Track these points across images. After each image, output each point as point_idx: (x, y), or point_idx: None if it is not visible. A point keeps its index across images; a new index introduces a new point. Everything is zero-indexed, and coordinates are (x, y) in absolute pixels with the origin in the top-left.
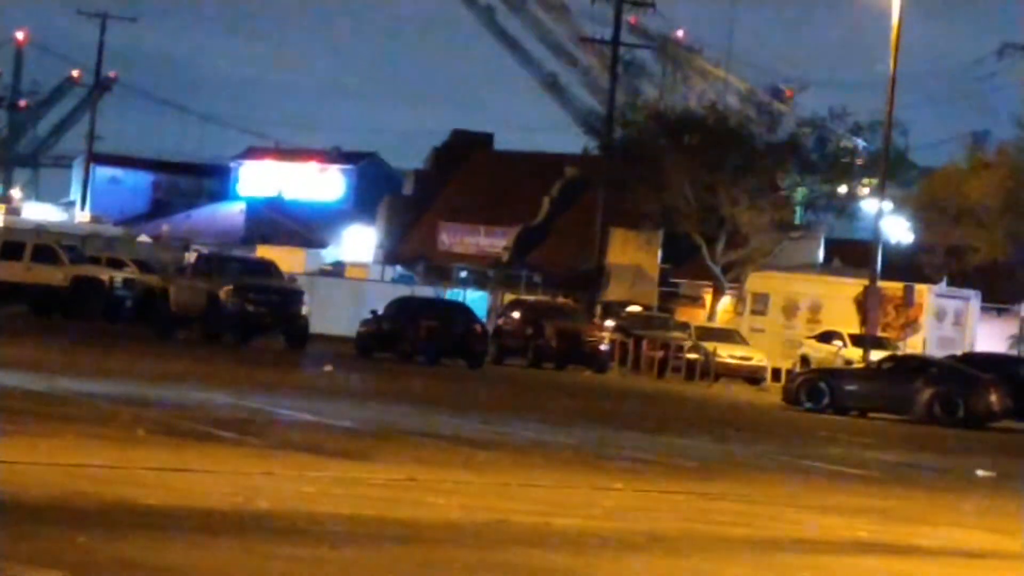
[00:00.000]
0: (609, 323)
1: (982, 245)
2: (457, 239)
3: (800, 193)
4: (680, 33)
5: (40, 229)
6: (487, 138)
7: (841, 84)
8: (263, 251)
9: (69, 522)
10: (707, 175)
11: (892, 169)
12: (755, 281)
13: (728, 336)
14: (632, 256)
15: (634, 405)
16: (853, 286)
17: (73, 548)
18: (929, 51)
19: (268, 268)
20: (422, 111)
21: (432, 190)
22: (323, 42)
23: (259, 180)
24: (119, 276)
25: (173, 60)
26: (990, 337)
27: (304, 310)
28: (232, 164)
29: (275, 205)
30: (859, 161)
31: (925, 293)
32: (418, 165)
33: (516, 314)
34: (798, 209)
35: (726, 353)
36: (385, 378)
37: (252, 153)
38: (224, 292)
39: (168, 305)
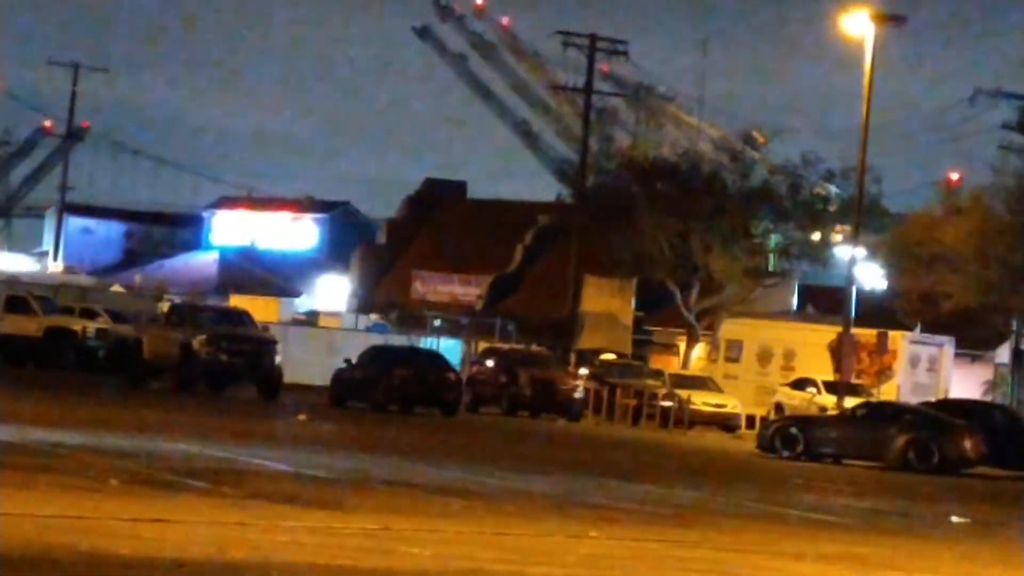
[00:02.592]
0: (583, 371)
1: (956, 291)
2: (431, 287)
3: (773, 240)
4: (662, 88)
5: (13, 280)
6: (460, 186)
7: (814, 131)
8: (236, 300)
9: (42, 573)
10: (680, 222)
11: (865, 215)
12: (729, 328)
13: (702, 383)
14: (606, 304)
15: (608, 453)
16: (827, 333)
17: None
18: (902, 97)
19: (241, 318)
20: (395, 160)
21: (405, 239)
22: (296, 92)
23: (232, 229)
24: (92, 326)
25: (145, 110)
26: (964, 383)
27: (277, 359)
28: (205, 214)
29: (248, 254)
30: (832, 208)
31: (899, 339)
32: (391, 214)
33: (490, 362)
34: (771, 256)
35: (700, 400)
36: (359, 427)
37: (225, 203)
38: (197, 342)
39: (141, 355)
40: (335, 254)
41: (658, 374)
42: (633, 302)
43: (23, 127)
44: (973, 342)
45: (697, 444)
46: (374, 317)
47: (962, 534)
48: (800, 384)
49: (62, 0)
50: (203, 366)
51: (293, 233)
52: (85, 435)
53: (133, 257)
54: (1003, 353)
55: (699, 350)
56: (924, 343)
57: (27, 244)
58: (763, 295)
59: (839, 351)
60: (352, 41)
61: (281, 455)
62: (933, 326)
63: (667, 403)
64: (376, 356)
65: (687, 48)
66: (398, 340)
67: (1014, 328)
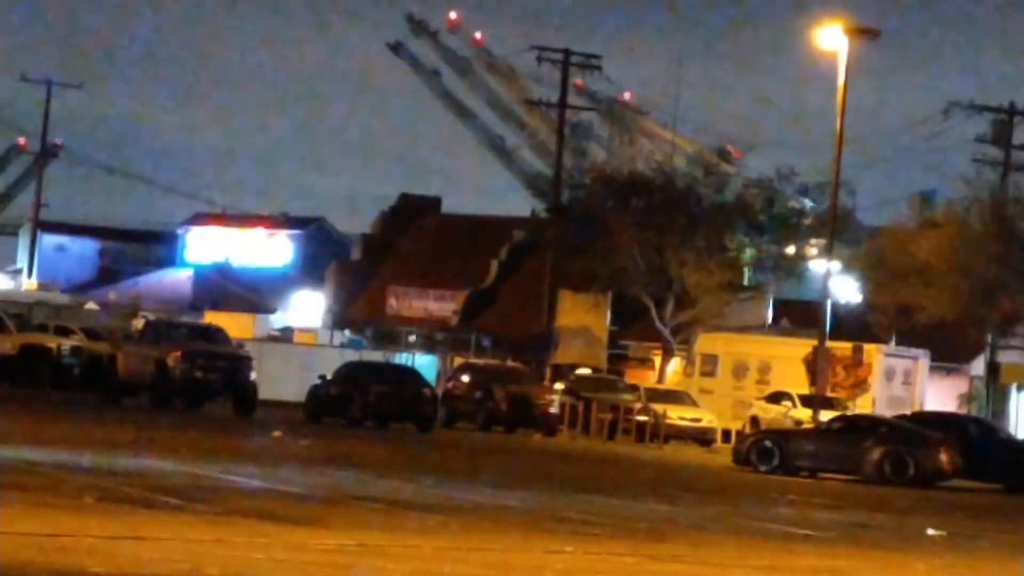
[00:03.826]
0: (559, 386)
1: (930, 304)
2: (406, 303)
3: (748, 254)
4: (627, 95)
5: None
6: (435, 202)
7: (788, 144)
8: (211, 317)
9: None
10: (655, 237)
11: (840, 229)
12: (704, 342)
13: (678, 398)
14: (581, 319)
15: (584, 468)
16: (802, 346)
17: None
18: (877, 111)
19: (216, 334)
20: (369, 175)
21: (380, 254)
22: (270, 108)
23: (206, 246)
24: (67, 344)
25: (119, 127)
26: (940, 396)
27: (252, 376)
28: (179, 230)
29: (223, 271)
30: (807, 221)
31: (874, 352)
32: (366, 229)
33: (465, 378)
34: (746, 270)
35: (676, 415)
36: (334, 443)
37: (199, 219)
38: (172, 359)
39: (116, 372)
40: (310, 270)
41: (633, 389)
42: (608, 317)
43: None
44: (948, 355)
45: (673, 458)
46: (349, 333)
47: (938, 547)
48: (775, 398)
49: (35, 17)
50: (178, 383)
51: (267, 249)
52: (60, 453)
53: (107, 274)
54: (978, 366)
55: (674, 364)
56: (899, 356)
57: (1, 262)
58: (738, 309)
59: (814, 365)
60: (326, 56)
61: (256, 471)
62: (908, 339)
63: (643, 417)
64: (351, 372)
65: (661, 63)
66: (373, 356)
67: (989, 341)
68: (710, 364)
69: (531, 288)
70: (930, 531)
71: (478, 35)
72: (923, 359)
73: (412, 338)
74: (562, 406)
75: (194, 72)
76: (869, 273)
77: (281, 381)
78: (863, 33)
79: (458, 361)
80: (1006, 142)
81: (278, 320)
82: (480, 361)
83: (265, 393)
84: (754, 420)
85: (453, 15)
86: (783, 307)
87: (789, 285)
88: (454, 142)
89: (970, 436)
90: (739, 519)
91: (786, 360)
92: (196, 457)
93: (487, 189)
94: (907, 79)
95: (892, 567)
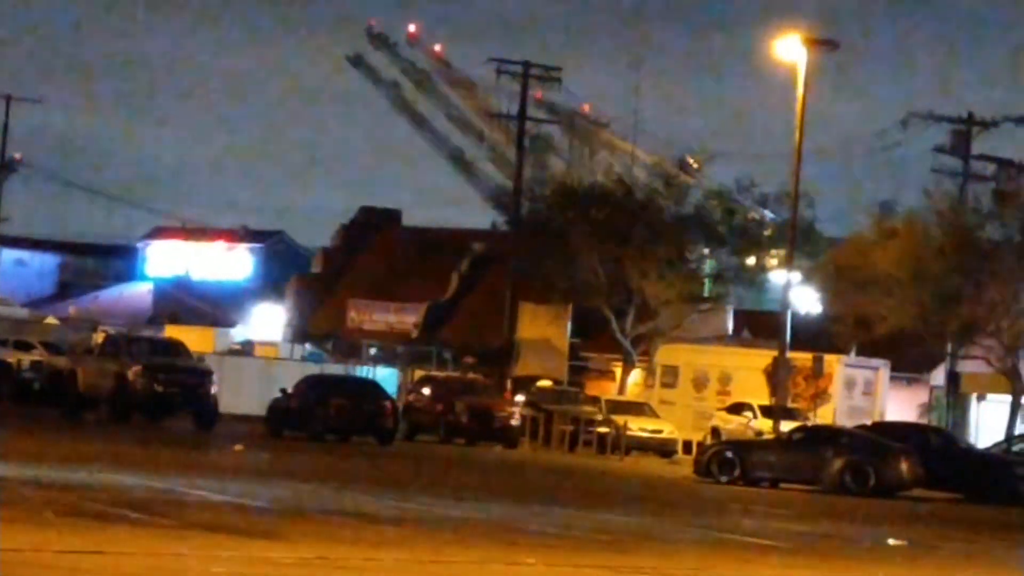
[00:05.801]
0: (520, 398)
1: (890, 314)
2: (366, 316)
3: (708, 265)
4: (586, 107)
5: None
6: (395, 214)
7: (748, 155)
8: (171, 331)
9: None
10: (615, 248)
11: (800, 240)
12: (665, 354)
13: (638, 409)
14: (542, 331)
15: (545, 480)
16: (762, 357)
17: None
18: (835, 121)
19: (176, 348)
20: (329, 189)
21: (340, 267)
22: (228, 121)
23: (166, 260)
24: (26, 358)
25: (78, 141)
26: (900, 406)
27: (213, 390)
28: (139, 244)
29: (183, 285)
30: (767, 232)
31: (834, 363)
32: (326, 243)
33: (426, 390)
34: (707, 281)
35: (637, 426)
36: (296, 457)
37: (159, 233)
38: (132, 373)
39: (76, 386)
40: (270, 283)
41: (594, 400)
42: (569, 329)
43: None
44: (908, 365)
45: (634, 470)
46: (309, 346)
47: (899, 556)
48: (736, 409)
49: None
50: (138, 397)
51: (227, 263)
52: (20, 467)
53: (67, 289)
54: (938, 376)
55: (635, 376)
56: (860, 366)
57: None
58: (698, 320)
59: (775, 375)
60: (285, 69)
61: (218, 485)
62: (868, 349)
63: (603, 429)
64: (312, 385)
65: (620, 75)
66: (334, 369)
67: (949, 350)
68: (671, 375)
69: (492, 301)
70: (891, 541)
71: (437, 47)
72: (883, 369)
73: (373, 351)
74: (523, 418)
75: (153, 86)
76: (829, 284)
77: (242, 395)
78: (821, 44)
79: (419, 374)
80: (964, 152)
81: (238, 334)
82: (441, 374)
83: (226, 407)
84: (715, 431)
85: (412, 28)
86: (743, 318)
87: (749, 296)
88: (414, 155)
89: (931, 446)
90: (700, 530)
91: (747, 371)
92: (157, 471)
93: (447, 202)
94: (866, 90)
95: None
